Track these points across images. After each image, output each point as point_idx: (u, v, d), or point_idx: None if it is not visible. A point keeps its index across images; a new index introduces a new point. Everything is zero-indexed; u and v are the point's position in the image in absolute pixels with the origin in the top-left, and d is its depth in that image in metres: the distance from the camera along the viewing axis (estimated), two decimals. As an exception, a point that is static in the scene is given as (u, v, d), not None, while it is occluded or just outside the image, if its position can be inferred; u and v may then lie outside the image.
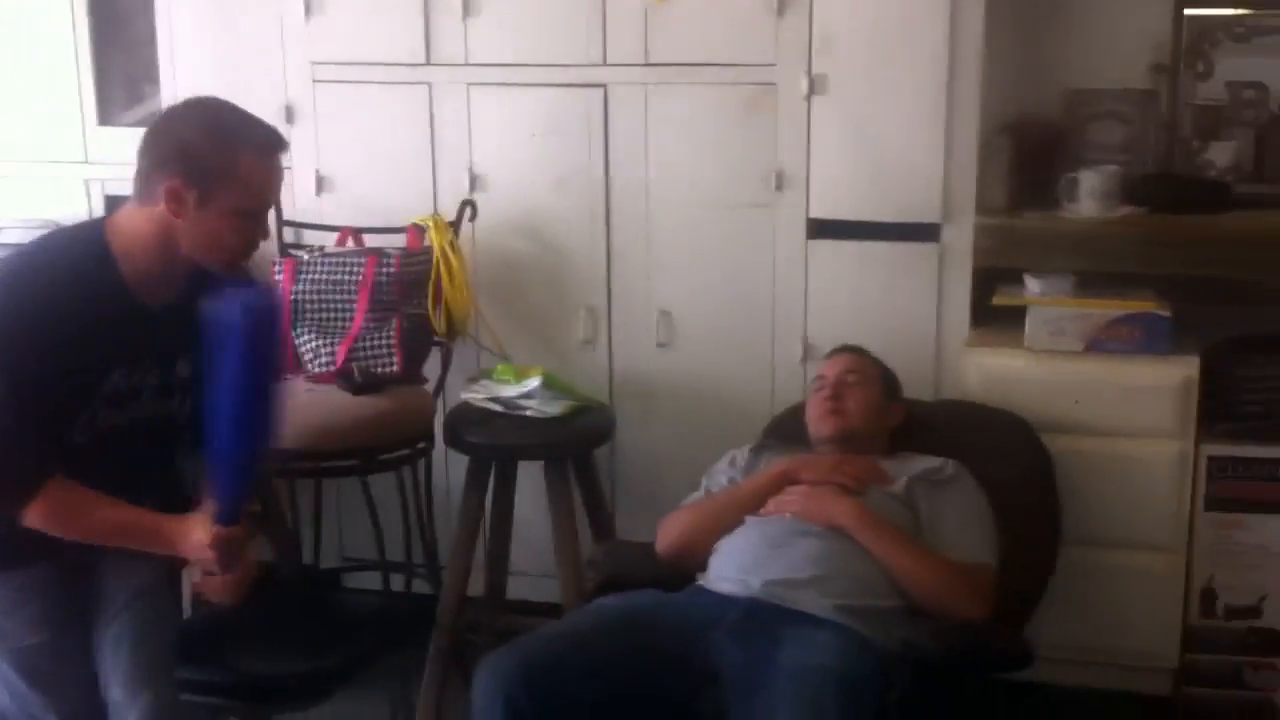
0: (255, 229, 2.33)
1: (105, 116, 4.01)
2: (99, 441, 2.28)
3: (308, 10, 3.58)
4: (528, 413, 3.15)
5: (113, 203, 4.01)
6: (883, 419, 2.92)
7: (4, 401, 2.17)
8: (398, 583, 3.52)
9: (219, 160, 2.22)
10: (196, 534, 2.29)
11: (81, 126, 4.01)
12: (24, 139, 4.03)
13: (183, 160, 2.21)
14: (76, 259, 2.26)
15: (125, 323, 2.25)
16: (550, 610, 3.23)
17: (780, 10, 3.24)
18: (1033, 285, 3.18)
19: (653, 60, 3.37)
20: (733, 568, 2.61)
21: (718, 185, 3.38)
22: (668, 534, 2.79)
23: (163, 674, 2.44)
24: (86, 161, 4.01)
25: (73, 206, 4.00)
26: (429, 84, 3.54)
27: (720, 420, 3.43)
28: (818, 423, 2.89)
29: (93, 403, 2.26)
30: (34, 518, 2.23)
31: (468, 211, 3.49)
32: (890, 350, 3.08)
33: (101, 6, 4.06)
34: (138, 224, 2.26)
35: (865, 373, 2.94)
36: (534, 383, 3.18)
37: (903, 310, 3.28)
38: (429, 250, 3.38)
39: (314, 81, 3.63)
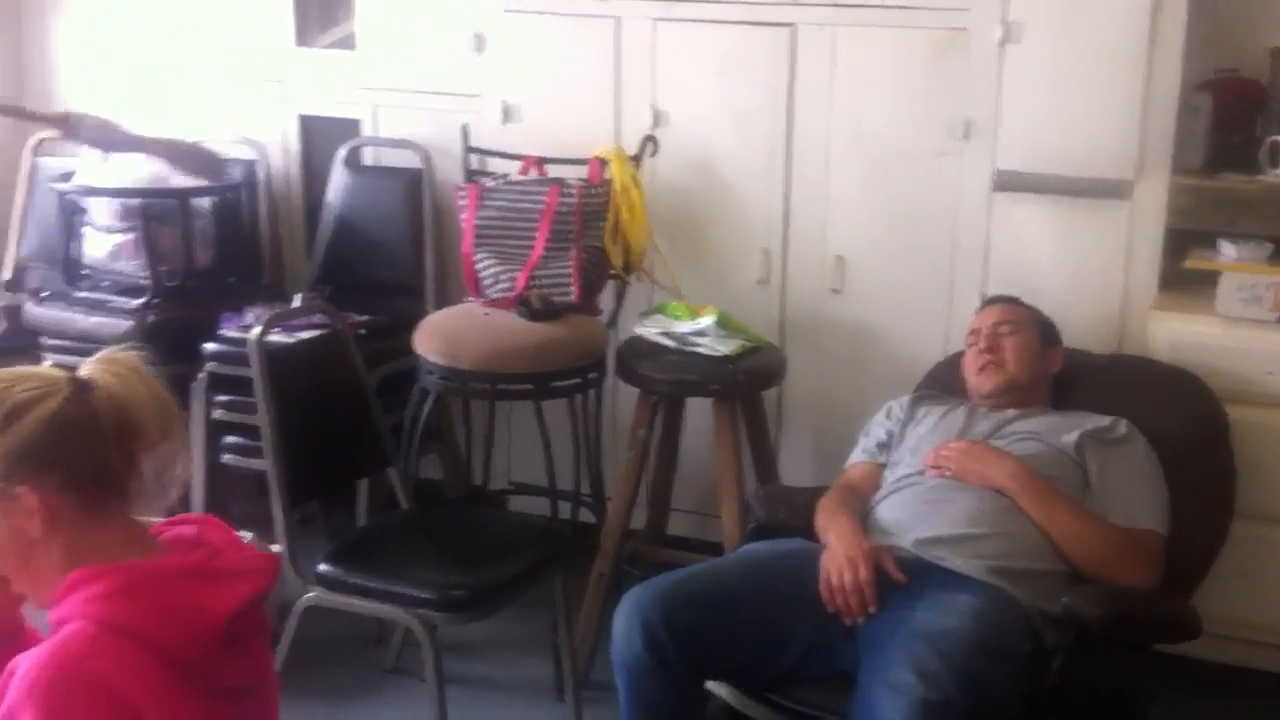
0: None
1: (302, 38, 4.10)
2: None
3: (504, -59, 3.62)
4: (700, 350, 3.17)
5: (308, 122, 4.12)
6: (1041, 366, 2.86)
7: None
8: (563, 511, 3.59)
9: None
10: None
11: (281, 48, 4.10)
12: (229, 59, 4.15)
13: None
14: None
15: None
16: (708, 548, 3.27)
17: (979, -46, 3.17)
18: (1228, 250, 3.09)
19: (843, 1, 3.33)
20: (886, 525, 2.59)
21: (903, 131, 3.34)
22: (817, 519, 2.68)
23: None
24: (283, 82, 4.11)
25: (270, 127, 4.14)
26: (617, 18, 3.56)
27: (890, 369, 3.41)
28: (976, 378, 2.85)
29: None
30: None
31: (649, 147, 3.51)
32: (1073, 310, 3.03)
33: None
34: None
35: (1018, 321, 2.87)
36: (707, 320, 3.20)
37: (1088, 269, 3.21)
38: (609, 183, 3.40)
39: (505, 11, 3.67)
